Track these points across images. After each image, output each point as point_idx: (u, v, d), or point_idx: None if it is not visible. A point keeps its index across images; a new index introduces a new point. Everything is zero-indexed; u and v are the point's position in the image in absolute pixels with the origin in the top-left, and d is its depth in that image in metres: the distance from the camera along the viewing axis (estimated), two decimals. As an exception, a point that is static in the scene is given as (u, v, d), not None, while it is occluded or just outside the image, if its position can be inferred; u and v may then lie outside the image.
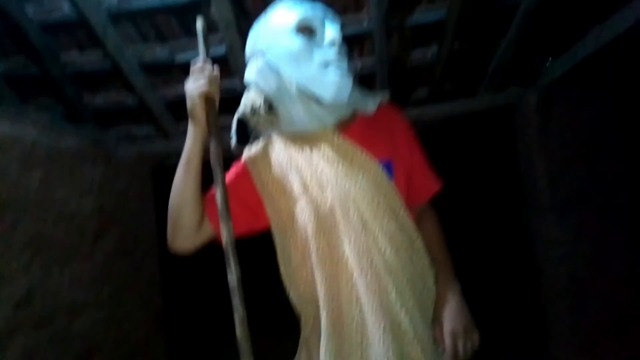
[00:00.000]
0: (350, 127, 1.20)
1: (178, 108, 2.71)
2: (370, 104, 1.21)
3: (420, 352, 1.08)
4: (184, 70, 2.42)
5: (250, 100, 1.20)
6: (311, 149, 1.18)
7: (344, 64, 1.12)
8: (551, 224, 2.64)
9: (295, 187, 1.16)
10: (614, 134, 2.59)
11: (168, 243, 1.17)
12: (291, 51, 1.10)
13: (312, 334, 1.18)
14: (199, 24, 1.19)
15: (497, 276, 4.41)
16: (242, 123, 1.23)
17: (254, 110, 1.19)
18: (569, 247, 2.59)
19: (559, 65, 2.41)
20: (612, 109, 2.60)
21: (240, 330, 1.04)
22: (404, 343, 1.08)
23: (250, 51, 1.19)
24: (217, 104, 1.13)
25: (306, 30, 1.11)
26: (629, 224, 2.56)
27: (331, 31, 1.11)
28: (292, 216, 1.17)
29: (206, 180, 1.15)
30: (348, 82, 1.12)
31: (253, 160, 1.23)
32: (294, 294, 1.19)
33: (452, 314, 1.16)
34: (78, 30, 2.20)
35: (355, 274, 1.10)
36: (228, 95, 1.89)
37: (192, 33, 2.24)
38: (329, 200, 1.12)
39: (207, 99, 1.09)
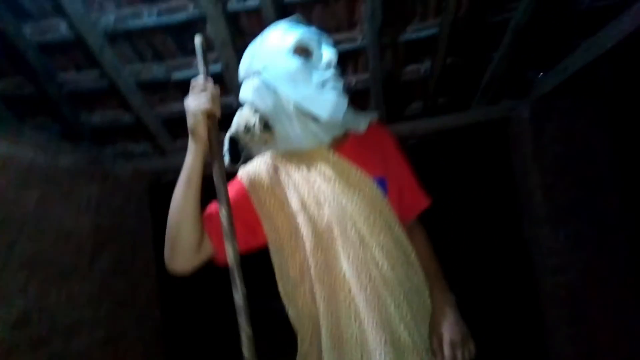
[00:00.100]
0: (344, 145, 1.23)
1: (174, 125, 2.73)
2: (362, 123, 1.25)
3: None
4: (180, 88, 2.46)
5: (244, 118, 1.22)
6: (308, 167, 1.20)
7: (340, 84, 1.16)
8: (547, 235, 2.65)
9: (293, 204, 1.17)
10: (607, 143, 2.62)
11: (166, 263, 1.15)
12: (289, 71, 1.13)
13: (311, 351, 1.18)
14: (198, 40, 1.19)
15: (494, 287, 4.41)
16: (233, 141, 1.25)
17: (247, 128, 1.21)
18: (566, 258, 2.60)
19: (550, 79, 2.45)
20: (603, 120, 2.63)
21: (247, 349, 1.04)
22: (404, 356, 1.09)
23: (246, 71, 1.21)
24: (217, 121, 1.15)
25: (303, 51, 1.15)
26: (625, 233, 2.58)
27: (327, 53, 1.15)
28: (290, 233, 1.18)
29: (202, 197, 1.15)
30: (344, 101, 1.15)
31: (250, 178, 1.24)
32: (293, 311, 1.20)
33: (449, 326, 1.18)
34: (75, 50, 2.22)
35: (354, 290, 1.11)
36: (224, 112, 1.90)
37: (188, 52, 2.27)
38: (327, 217, 1.14)
39: (209, 116, 1.09)
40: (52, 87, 2.32)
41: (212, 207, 1.20)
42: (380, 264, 1.12)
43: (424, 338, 1.15)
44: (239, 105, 1.27)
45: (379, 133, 1.31)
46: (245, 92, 1.20)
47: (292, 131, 1.16)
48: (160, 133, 2.76)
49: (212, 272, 1.44)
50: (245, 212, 1.19)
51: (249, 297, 1.07)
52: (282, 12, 2.03)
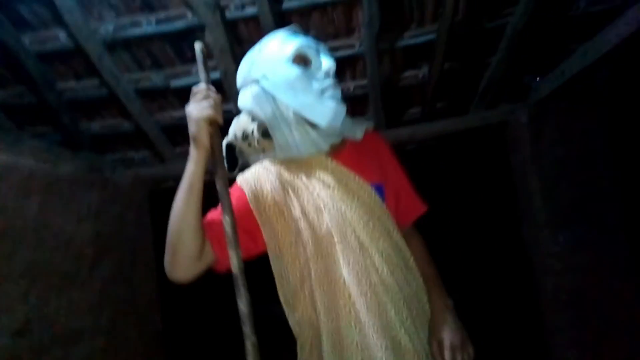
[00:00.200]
0: (341, 152, 1.25)
1: (174, 132, 2.74)
2: (359, 131, 1.27)
3: None
4: (179, 95, 2.47)
5: (241, 126, 1.23)
6: (307, 174, 1.21)
7: (338, 93, 1.18)
8: (548, 238, 2.65)
9: (293, 211, 1.18)
10: (605, 146, 2.62)
11: (167, 272, 1.14)
12: (289, 79, 1.14)
13: (311, 357, 1.19)
14: (198, 47, 1.19)
15: (495, 291, 4.40)
16: (230, 148, 1.25)
17: (245, 136, 1.22)
18: (567, 261, 2.60)
19: (547, 83, 2.46)
20: (601, 122, 2.64)
21: (252, 357, 1.04)
22: None
23: (244, 79, 1.22)
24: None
25: (302, 60, 1.16)
26: (624, 235, 2.58)
27: (326, 62, 1.17)
28: (290, 240, 1.19)
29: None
30: (342, 109, 1.17)
31: (249, 185, 1.25)
32: (293, 317, 1.20)
33: (449, 330, 1.20)
34: (74, 59, 2.24)
35: (355, 295, 1.11)
36: (224, 119, 1.91)
37: (187, 60, 2.29)
38: (327, 223, 1.15)
39: (211, 123, 1.09)
40: (51, 95, 2.34)
41: (213, 214, 1.21)
42: (380, 269, 1.13)
43: (423, 342, 1.17)
44: (238, 112, 1.28)
45: (374, 140, 1.33)
46: (244, 100, 1.21)
47: (292, 138, 1.17)
48: (159, 140, 2.76)
49: (212, 278, 1.44)
50: (245, 219, 1.19)
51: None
52: (280, 20, 2.04)
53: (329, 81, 1.16)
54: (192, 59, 2.27)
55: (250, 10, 2.02)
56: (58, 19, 1.99)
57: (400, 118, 2.86)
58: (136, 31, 2.08)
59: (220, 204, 1.20)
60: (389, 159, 1.33)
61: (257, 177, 1.25)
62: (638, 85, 2.51)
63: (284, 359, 1.33)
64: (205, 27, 2.02)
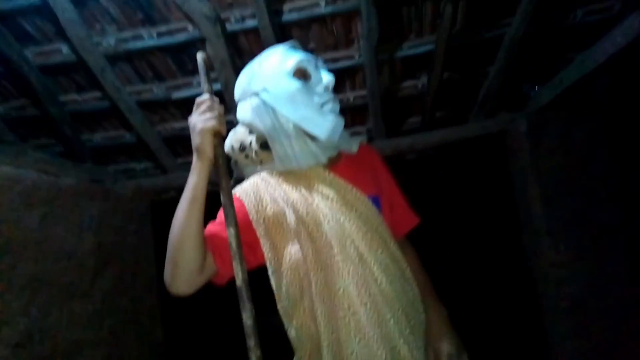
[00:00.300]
0: (338, 165, 1.27)
1: (175, 144, 2.75)
2: (354, 144, 1.30)
3: None
4: (181, 107, 2.49)
5: (238, 138, 1.24)
6: (305, 185, 1.22)
7: (337, 106, 1.21)
8: (548, 247, 2.65)
9: (292, 222, 1.17)
10: (604, 154, 2.63)
11: (167, 285, 1.11)
12: (289, 92, 1.16)
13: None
14: (200, 57, 1.18)
15: (496, 300, 4.39)
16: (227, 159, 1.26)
17: (243, 147, 1.23)
18: (568, 270, 2.59)
19: (546, 92, 2.48)
20: (600, 131, 2.64)
21: None
22: None
23: (242, 92, 1.23)
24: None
25: (302, 74, 1.19)
26: (625, 243, 2.57)
27: (326, 77, 1.21)
28: (289, 252, 1.19)
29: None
30: (341, 123, 1.19)
31: (248, 196, 1.25)
32: (292, 329, 1.20)
33: (445, 339, 1.27)
34: (76, 72, 2.26)
35: (354, 306, 1.12)
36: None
37: (188, 72, 2.31)
38: (326, 234, 1.15)
39: (215, 134, 1.08)
40: (54, 108, 2.36)
41: (213, 225, 1.21)
42: (379, 280, 1.14)
43: (421, 351, 1.17)
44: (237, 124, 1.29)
45: (368, 153, 1.37)
46: (243, 112, 1.22)
47: (291, 150, 1.18)
48: (161, 151, 2.78)
49: (214, 289, 1.45)
50: (244, 231, 1.18)
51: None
52: (280, 32, 2.06)
53: (329, 95, 1.19)
54: (193, 71, 2.30)
55: (250, 23, 2.04)
56: (61, 33, 2.02)
57: (400, 128, 2.88)
58: (138, 44, 2.10)
59: (219, 215, 1.21)
60: (383, 172, 1.36)
61: (256, 189, 1.25)
62: (636, 93, 2.53)
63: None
64: (206, 40, 2.05)
